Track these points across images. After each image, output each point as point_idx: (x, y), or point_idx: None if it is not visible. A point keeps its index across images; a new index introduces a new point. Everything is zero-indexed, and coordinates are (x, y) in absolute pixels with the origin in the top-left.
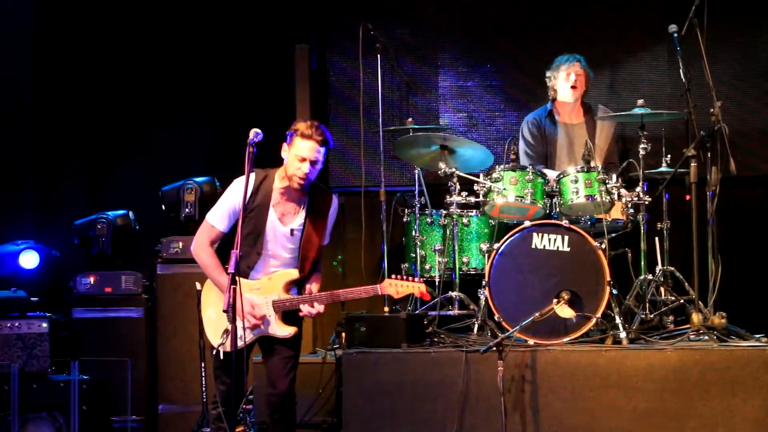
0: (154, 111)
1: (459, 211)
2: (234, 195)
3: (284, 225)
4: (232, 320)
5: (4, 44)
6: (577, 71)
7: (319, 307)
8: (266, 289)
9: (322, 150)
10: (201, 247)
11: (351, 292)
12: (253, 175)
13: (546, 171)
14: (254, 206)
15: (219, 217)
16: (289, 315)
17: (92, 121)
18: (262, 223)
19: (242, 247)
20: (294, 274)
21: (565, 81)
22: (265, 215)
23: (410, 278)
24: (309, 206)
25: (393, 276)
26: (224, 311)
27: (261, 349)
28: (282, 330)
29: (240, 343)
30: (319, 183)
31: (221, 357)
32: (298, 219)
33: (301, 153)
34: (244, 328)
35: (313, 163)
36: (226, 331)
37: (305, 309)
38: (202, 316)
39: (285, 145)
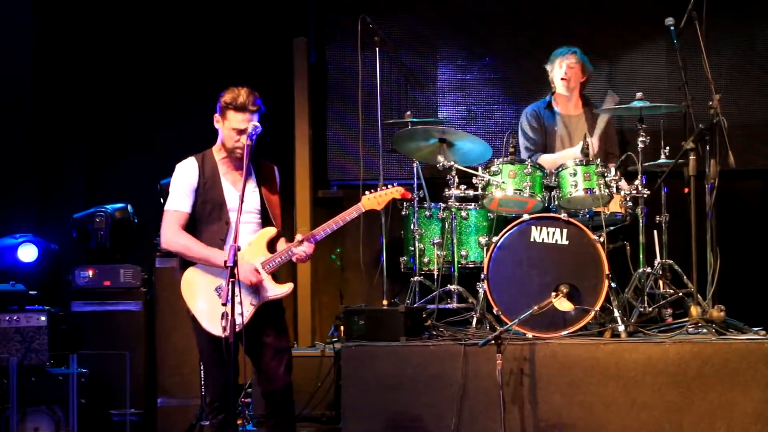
0: (153, 105)
1: (458, 204)
2: (183, 175)
3: (239, 190)
4: (231, 315)
5: (4, 44)
6: (569, 63)
7: (309, 247)
8: (250, 255)
9: (256, 116)
10: (173, 233)
11: (335, 220)
12: (194, 163)
13: (544, 156)
14: (206, 182)
15: (178, 199)
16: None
17: (91, 116)
18: (220, 193)
19: (209, 224)
20: (272, 230)
21: (558, 73)
22: (219, 186)
23: (385, 187)
24: (257, 173)
25: (369, 191)
26: (223, 305)
27: (250, 345)
28: (279, 289)
29: (245, 320)
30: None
31: (231, 341)
32: (250, 184)
33: (238, 126)
34: (241, 302)
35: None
36: (224, 315)
37: (299, 251)
38: (191, 311)
39: (217, 117)
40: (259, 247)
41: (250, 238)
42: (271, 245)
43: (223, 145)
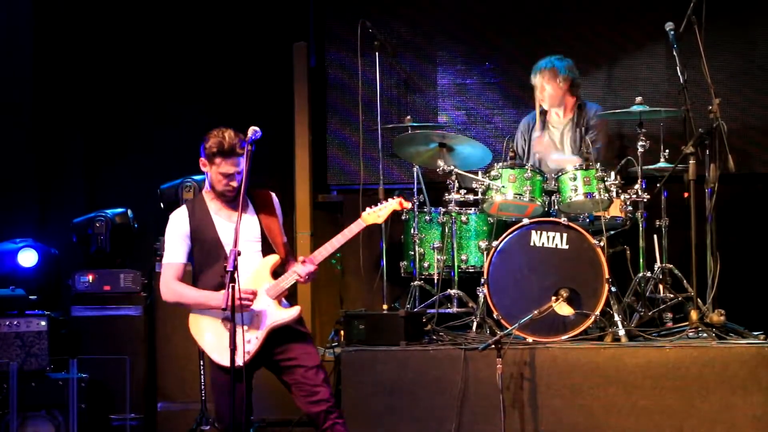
0: (153, 109)
1: (458, 208)
2: (174, 224)
3: (234, 223)
4: (232, 318)
5: (4, 44)
6: (541, 85)
7: (311, 267)
8: (252, 285)
9: (244, 158)
10: (166, 286)
11: (337, 239)
12: (185, 210)
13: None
14: (198, 226)
15: (171, 251)
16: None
17: (91, 120)
18: (214, 234)
19: (209, 265)
20: (275, 258)
21: (537, 93)
22: (212, 226)
23: (383, 201)
24: (253, 203)
25: (369, 207)
26: (222, 309)
27: (281, 373)
28: (286, 313)
29: (254, 348)
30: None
31: (241, 364)
32: (247, 213)
33: (227, 171)
34: (249, 329)
35: (239, 172)
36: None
37: (301, 270)
38: (201, 347)
39: (204, 161)
40: (262, 275)
41: (252, 268)
42: (276, 273)
43: (213, 188)
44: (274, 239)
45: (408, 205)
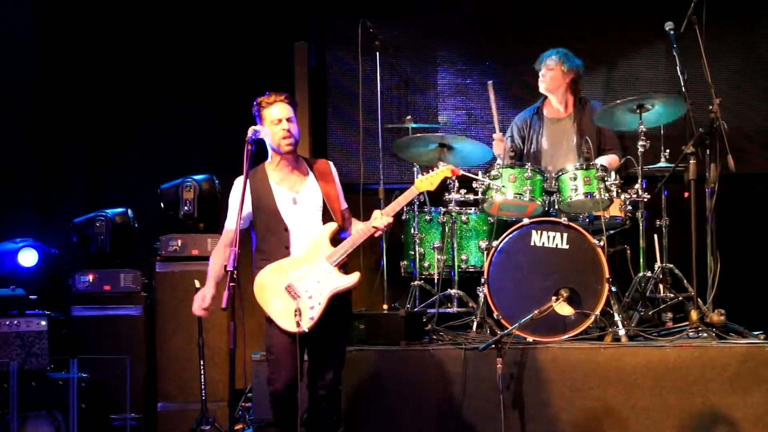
0: (154, 109)
1: (458, 208)
2: (233, 191)
3: (297, 192)
4: (231, 318)
5: (4, 44)
6: (548, 65)
7: (389, 218)
8: (312, 253)
9: (291, 108)
10: (215, 249)
11: (394, 205)
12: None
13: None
14: (257, 193)
15: (228, 216)
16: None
17: (92, 120)
18: (272, 204)
19: (270, 234)
20: (333, 226)
21: (540, 77)
22: (270, 195)
23: (435, 168)
24: (312, 171)
25: (422, 173)
26: (223, 309)
27: (307, 341)
28: (345, 280)
29: (317, 314)
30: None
31: (306, 330)
32: (309, 183)
33: (275, 116)
34: (312, 296)
35: (289, 119)
36: (297, 311)
37: (380, 224)
38: (266, 313)
39: (257, 122)
40: (320, 243)
41: (311, 236)
42: (335, 240)
43: (273, 149)
44: (333, 207)
45: (460, 172)
